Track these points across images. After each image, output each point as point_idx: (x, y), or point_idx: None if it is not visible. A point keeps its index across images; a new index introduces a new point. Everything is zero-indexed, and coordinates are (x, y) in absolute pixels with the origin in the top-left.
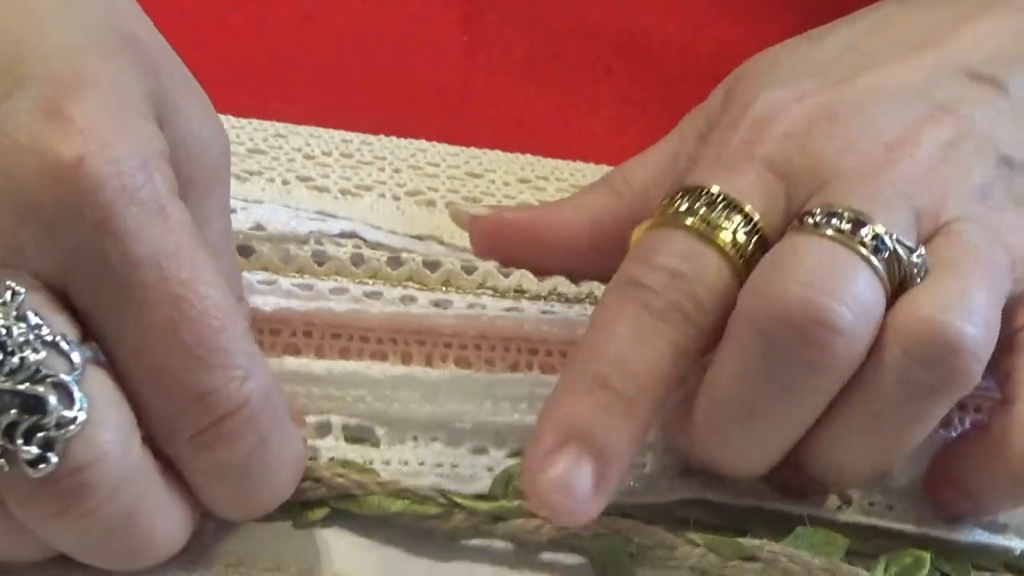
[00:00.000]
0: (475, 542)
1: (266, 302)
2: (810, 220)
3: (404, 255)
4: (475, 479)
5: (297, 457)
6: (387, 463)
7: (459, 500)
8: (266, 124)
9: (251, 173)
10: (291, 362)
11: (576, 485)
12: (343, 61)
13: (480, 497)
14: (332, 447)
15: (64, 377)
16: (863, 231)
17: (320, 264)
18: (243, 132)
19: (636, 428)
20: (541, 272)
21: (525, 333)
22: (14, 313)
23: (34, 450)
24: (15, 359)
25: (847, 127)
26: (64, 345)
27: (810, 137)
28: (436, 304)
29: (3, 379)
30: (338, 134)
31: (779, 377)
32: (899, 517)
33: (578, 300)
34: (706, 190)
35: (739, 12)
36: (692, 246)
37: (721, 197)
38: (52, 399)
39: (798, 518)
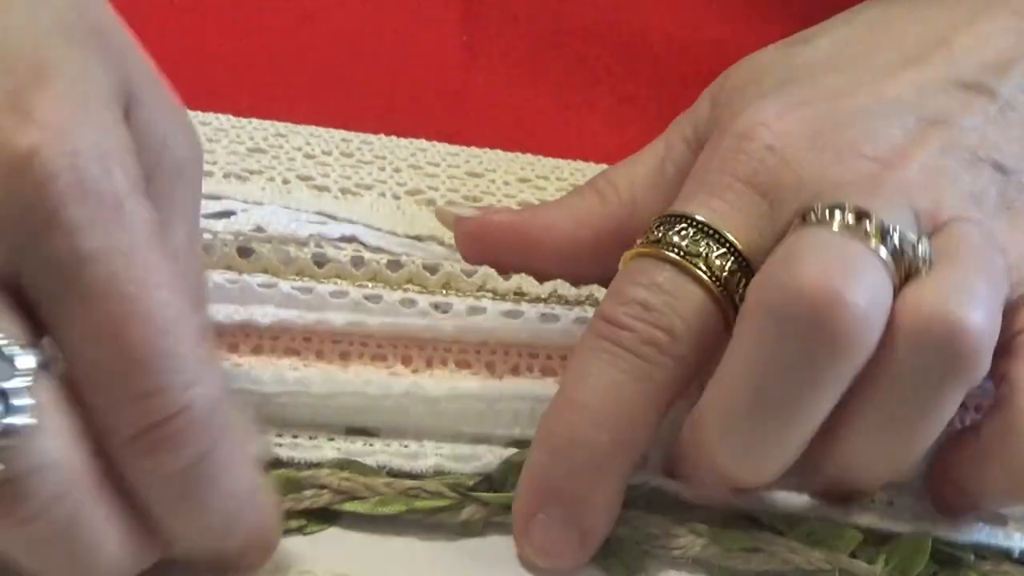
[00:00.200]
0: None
1: (264, 313)
2: (813, 216)
3: (404, 257)
4: (476, 458)
5: (248, 484)
6: (388, 445)
7: (468, 492)
8: (266, 123)
9: (251, 172)
10: (290, 376)
11: (560, 549)
12: (343, 61)
13: (488, 487)
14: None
15: (6, 384)
16: (867, 223)
17: (320, 266)
18: (243, 131)
19: (613, 481)
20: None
21: (525, 340)
22: None
23: None
24: None
25: (835, 142)
26: (9, 350)
27: (795, 152)
28: (436, 307)
29: None
30: (338, 133)
31: (793, 364)
32: (899, 514)
33: (578, 302)
34: (685, 217)
35: (739, 12)
36: (667, 276)
37: (699, 224)
38: None
39: (801, 516)
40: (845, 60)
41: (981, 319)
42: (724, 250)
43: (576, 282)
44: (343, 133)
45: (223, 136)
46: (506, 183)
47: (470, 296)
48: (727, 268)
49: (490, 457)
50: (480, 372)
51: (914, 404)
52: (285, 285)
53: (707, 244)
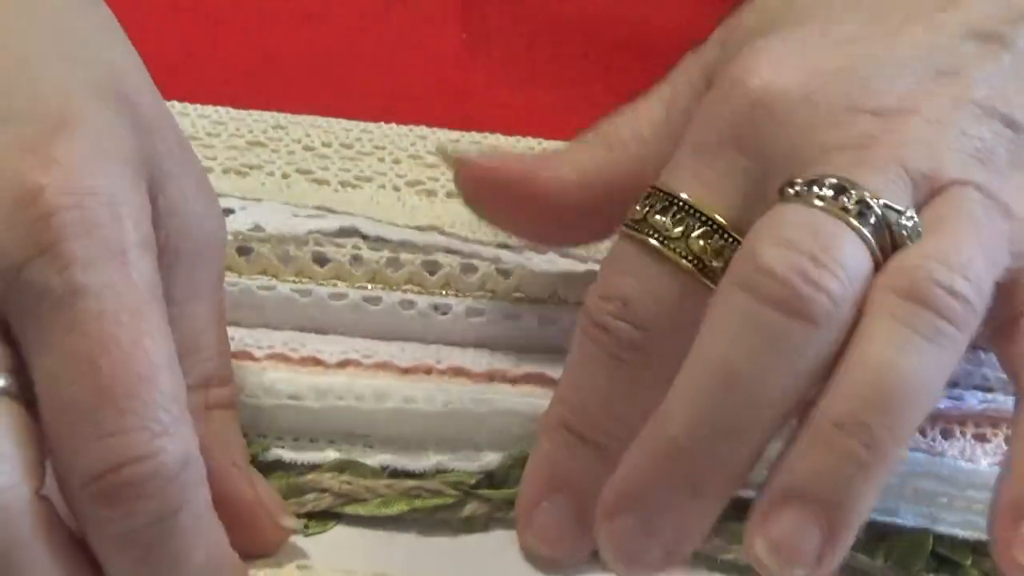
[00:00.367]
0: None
1: (259, 344)
2: (791, 190)
3: (403, 256)
4: (477, 456)
5: (218, 560)
6: (388, 446)
7: (470, 490)
8: (266, 115)
9: (251, 167)
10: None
11: (563, 536)
12: (342, 59)
13: (490, 485)
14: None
15: None
16: (845, 197)
17: (320, 265)
18: (243, 124)
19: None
20: (531, 232)
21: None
22: None
23: None
24: None
25: (833, 94)
26: None
27: (786, 109)
28: (435, 308)
29: None
30: (338, 123)
31: (763, 346)
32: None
33: (577, 303)
34: (667, 193)
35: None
36: (644, 264)
37: (682, 203)
38: None
39: None
40: (860, 5)
41: (964, 283)
42: (707, 228)
43: (584, 239)
44: (343, 123)
45: (223, 130)
46: None
47: (469, 296)
48: (711, 247)
49: (491, 455)
50: (477, 378)
51: None
52: (284, 287)
53: (688, 223)
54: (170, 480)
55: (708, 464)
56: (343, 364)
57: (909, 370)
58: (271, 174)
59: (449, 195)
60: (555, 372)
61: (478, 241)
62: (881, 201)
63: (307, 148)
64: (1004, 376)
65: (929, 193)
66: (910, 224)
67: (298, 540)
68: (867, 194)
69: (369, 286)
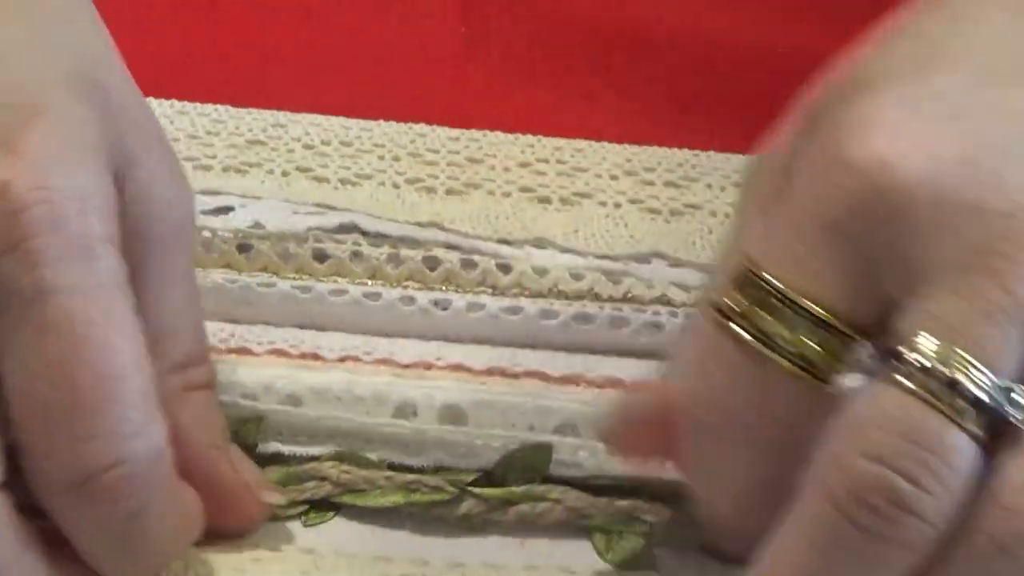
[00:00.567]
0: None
1: (260, 342)
2: (899, 366)
3: (403, 252)
4: (475, 454)
5: (181, 528)
6: (387, 441)
7: (468, 488)
8: (265, 113)
9: (250, 165)
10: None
11: None
12: (341, 55)
13: (488, 483)
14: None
15: None
16: (960, 388)
17: (320, 262)
18: (242, 122)
19: None
20: None
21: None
22: None
23: None
24: None
25: (965, 192)
26: None
27: (908, 198)
28: (435, 303)
29: None
30: (337, 121)
31: (852, 550)
32: None
33: (578, 297)
34: (763, 279)
35: (740, 2)
36: (745, 368)
37: (787, 298)
38: None
39: None
40: (977, 55)
41: None
42: (823, 333)
43: None
44: (342, 120)
45: (222, 128)
46: (506, 168)
47: (470, 292)
48: (825, 351)
49: (490, 454)
50: (477, 374)
51: None
52: (284, 284)
53: (796, 323)
54: (143, 479)
55: None
56: (343, 360)
57: None
58: (271, 172)
59: (449, 192)
60: (555, 368)
61: (478, 236)
62: (999, 386)
63: (307, 146)
64: None
65: None
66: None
67: (297, 529)
68: (985, 380)
69: (369, 282)
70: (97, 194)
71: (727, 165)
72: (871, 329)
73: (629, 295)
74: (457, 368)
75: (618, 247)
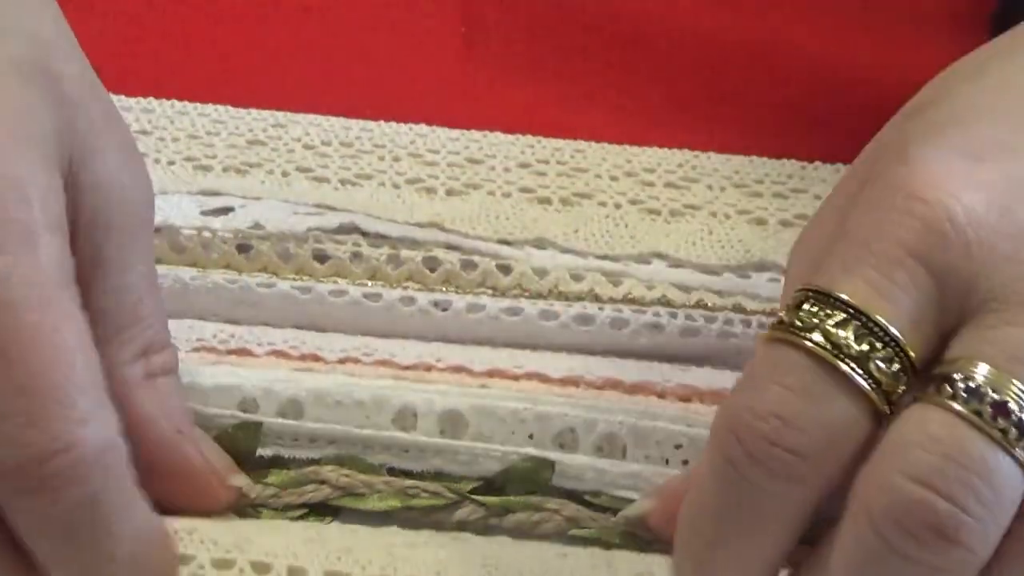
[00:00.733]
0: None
1: (259, 341)
2: (948, 389)
3: (404, 253)
4: (476, 462)
5: (145, 536)
6: (388, 448)
7: (468, 495)
8: (265, 113)
9: (251, 165)
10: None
11: None
12: (340, 54)
13: (488, 491)
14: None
15: None
16: (1010, 413)
17: (321, 262)
18: (242, 123)
19: None
20: None
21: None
22: None
23: None
24: None
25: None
26: None
27: (979, 233)
28: (435, 304)
29: None
30: (337, 121)
31: (891, 573)
32: None
33: (578, 298)
34: (835, 297)
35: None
36: (815, 380)
37: (862, 316)
38: None
39: None
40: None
41: None
42: (890, 351)
43: None
44: (342, 121)
45: (222, 128)
46: (506, 169)
47: (469, 293)
48: (891, 372)
49: (490, 462)
50: (478, 376)
51: None
52: (284, 285)
53: (871, 343)
54: (91, 466)
55: None
56: (343, 361)
57: None
58: (271, 172)
59: (449, 192)
60: (555, 370)
61: (478, 237)
62: None
63: (307, 146)
64: None
65: None
66: None
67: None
68: None
69: (369, 283)
70: (39, 183)
71: (727, 166)
72: (929, 358)
73: (629, 296)
74: (457, 370)
75: (618, 247)
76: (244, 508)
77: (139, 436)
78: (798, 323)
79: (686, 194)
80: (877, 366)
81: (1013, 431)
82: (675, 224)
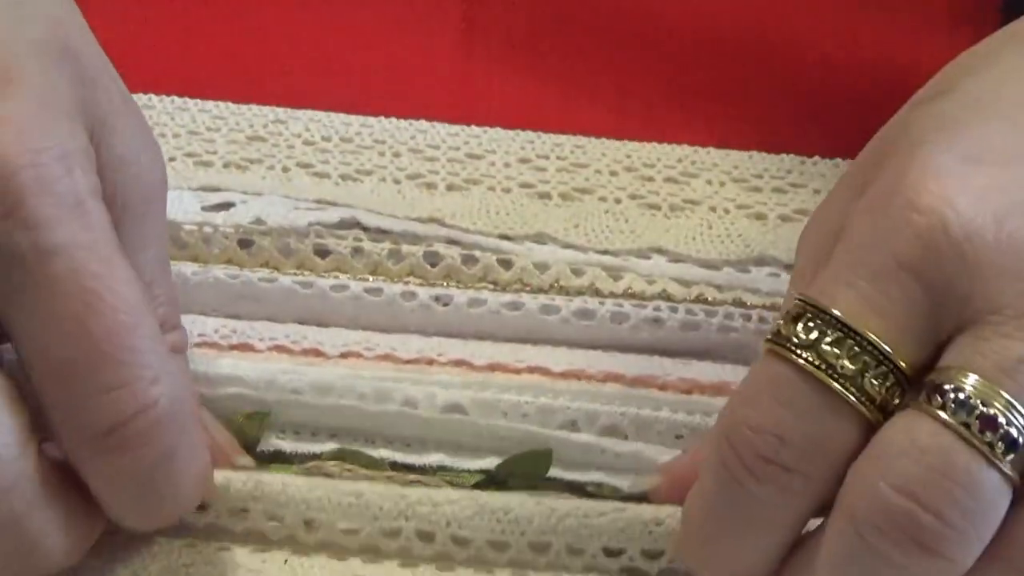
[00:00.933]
0: None
1: (261, 336)
2: (938, 399)
3: (404, 248)
4: (478, 456)
5: (202, 474)
6: (390, 442)
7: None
8: (265, 109)
9: (251, 161)
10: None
11: None
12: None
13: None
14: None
15: None
16: (997, 426)
17: (322, 257)
18: (242, 118)
19: None
20: None
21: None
22: None
23: None
24: None
25: (1019, 231)
26: None
27: (975, 247)
28: (437, 299)
29: None
30: (337, 117)
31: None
32: None
33: (579, 293)
34: (828, 313)
35: None
36: (809, 399)
37: (856, 334)
38: None
39: None
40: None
41: None
42: (883, 368)
43: None
44: (342, 117)
45: (222, 124)
46: (506, 164)
47: (471, 288)
48: (884, 387)
49: (492, 456)
50: (479, 370)
51: None
52: (286, 279)
53: (865, 362)
54: (168, 423)
55: None
56: (345, 356)
57: None
58: (271, 168)
59: (449, 188)
60: (557, 364)
61: (478, 232)
62: None
63: (307, 142)
64: None
65: None
66: None
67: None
68: (1018, 416)
69: (370, 278)
70: (78, 151)
71: (726, 161)
72: (922, 369)
73: (629, 290)
74: (459, 364)
75: (618, 242)
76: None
77: None
78: (794, 339)
79: (686, 189)
80: (871, 383)
81: (1000, 444)
82: (675, 219)
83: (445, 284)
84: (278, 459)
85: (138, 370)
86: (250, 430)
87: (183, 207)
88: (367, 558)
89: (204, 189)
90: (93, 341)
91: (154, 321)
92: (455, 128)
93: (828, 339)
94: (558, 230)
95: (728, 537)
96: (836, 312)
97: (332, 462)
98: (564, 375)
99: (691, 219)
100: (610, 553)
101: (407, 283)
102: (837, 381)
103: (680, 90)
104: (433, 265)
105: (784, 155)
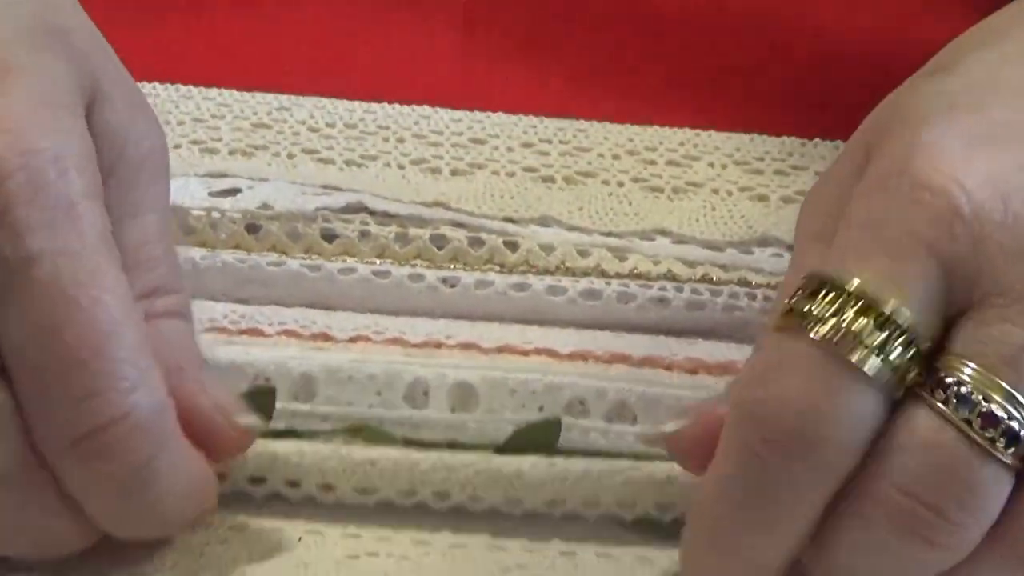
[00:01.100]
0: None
1: (270, 321)
2: (941, 392)
3: (411, 231)
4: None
5: (194, 489)
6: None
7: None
8: (269, 97)
9: (256, 148)
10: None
11: None
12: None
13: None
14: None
15: None
16: (996, 424)
17: (329, 241)
18: (247, 106)
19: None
20: None
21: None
22: None
23: None
24: None
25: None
26: None
27: (984, 228)
28: (444, 281)
29: None
30: (341, 104)
31: (881, 561)
32: None
33: (585, 274)
34: (846, 288)
35: None
36: (834, 375)
37: (870, 303)
38: None
39: None
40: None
41: None
42: (904, 339)
43: None
44: (346, 103)
45: (227, 112)
46: (509, 149)
47: (477, 270)
48: (906, 359)
49: (503, 428)
50: (488, 352)
51: None
52: (294, 263)
53: (887, 331)
54: (144, 432)
55: None
56: (354, 340)
57: None
58: (276, 155)
59: (454, 172)
60: (564, 345)
61: (484, 216)
62: None
63: (311, 129)
64: None
65: None
66: None
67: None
68: (1017, 407)
69: (378, 261)
70: (75, 150)
71: (728, 144)
72: (934, 346)
73: (635, 271)
74: (467, 347)
75: (622, 224)
76: None
77: None
78: (814, 313)
79: (688, 172)
80: (893, 353)
81: (1001, 440)
82: (678, 201)
83: (452, 266)
84: (290, 436)
85: (113, 380)
86: (256, 407)
87: (190, 193)
88: (381, 535)
89: (210, 175)
90: (69, 349)
91: (139, 331)
92: (458, 113)
93: (849, 313)
94: (562, 213)
95: (748, 528)
96: (856, 284)
97: (342, 437)
98: (571, 356)
99: (694, 201)
100: (624, 506)
101: (414, 266)
102: (860, 351)
103: (681, 74)
104: (440, 248)
105: (785, 137)
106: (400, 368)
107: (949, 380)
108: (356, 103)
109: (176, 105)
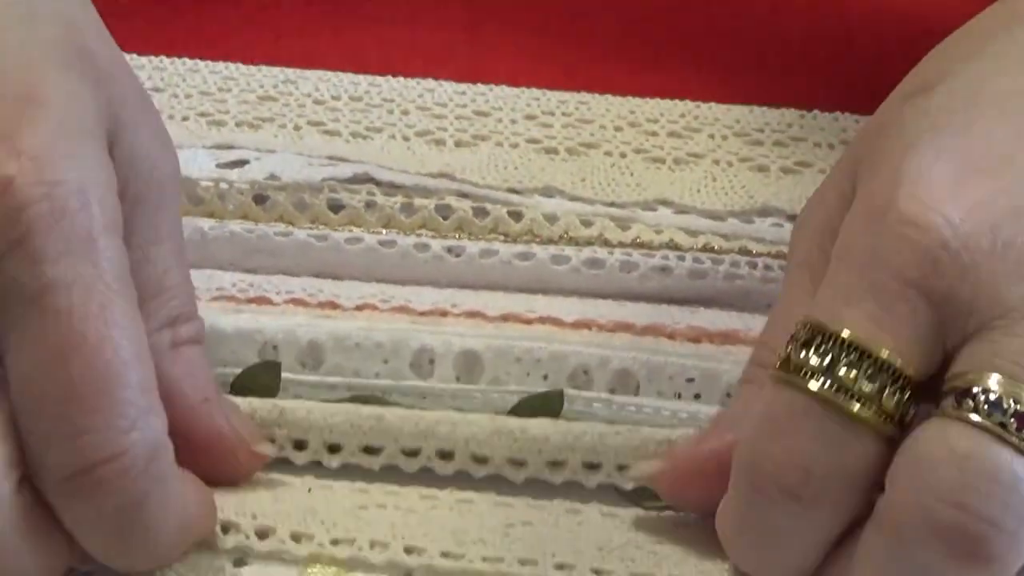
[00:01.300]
0: None
1: (278, 289)
2: (969, 403)
3: (417, 201)
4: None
5: (186, 525)
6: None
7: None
8: (275, 70)
9: (263, 120)
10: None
11: None
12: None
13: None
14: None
15: None
16: (1016, 416)
17: (335, 211)
18: (253, 79)
19: None
20: None
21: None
22: None
23: None
24: None
25: (1016, 236)
26: None
27: (974, 256)
28: (449, 250)
29: None
30: (346, 77)
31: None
32: None
33: (588, 243)
34: (838, 337)
35: None
36: (830, 426)
37: (862, 352)
38: None
39: None
40: (1018, 103)
41: None
42: (897, 384)
43: None
44: (351, 76)
45: (233, 85)
46: (513, 121)
47: (482, 239)
48: (900, 403)
49: (509, 397)
50: (493, 321)
51: None
52: (301, 233)
53: (879, 380)
54: (139, 472)
55: None
56: (360, 308)
57: None
58: (283, 127)
59: (458, 144)
60: (568, 314)
61: (488, 186)
62: None
63: (317, 101)
64: None
65: None
66: None
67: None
68: None
69: (384, 231)
70: (98, 182)
71: (728, 115)
72: (933, 373)
73: (638, 240)
74: (473, 315)
75: (624, 195)
76: None
77: (165, 404)
78: (811, 363)
79: (689, 143)
80: (887, 400)
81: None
82: (679, 172)
83: (457, 236)
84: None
85: (112, 418)
86: (263, 380)
87: (198, 164)
88: (389, 491)
89: (218, 147)
90: (72, 382)
91: (145, 370)
92: (462, 86)
93: (843, 363)
94: (565, 184)
95: (761, 550)
96: (846, 335)
97: (351, 405)
98: (575, 325)
99: (695, 172)
100: (624, 468)
101: (420, 235)
102: (857, 404)
103: (681, 46)
104: (445, 218)
105: (784, 109)
106: (406, 336)
107: (975, 390)
108: (361, 76)
109: (184, 78)
